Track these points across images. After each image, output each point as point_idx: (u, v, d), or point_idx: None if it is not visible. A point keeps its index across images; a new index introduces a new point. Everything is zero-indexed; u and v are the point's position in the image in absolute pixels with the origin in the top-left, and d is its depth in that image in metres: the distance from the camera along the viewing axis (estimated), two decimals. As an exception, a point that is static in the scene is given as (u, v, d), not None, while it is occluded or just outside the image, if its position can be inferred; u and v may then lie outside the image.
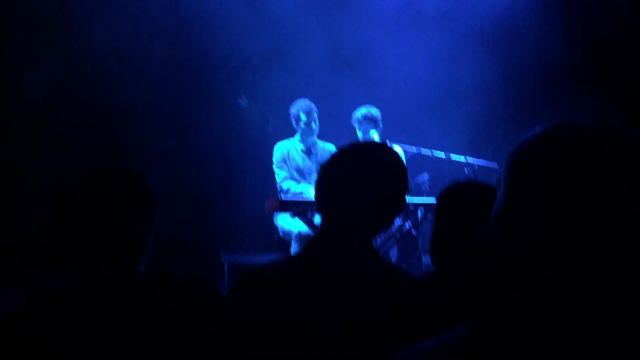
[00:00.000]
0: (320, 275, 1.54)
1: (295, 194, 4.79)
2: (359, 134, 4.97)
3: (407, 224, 4.55)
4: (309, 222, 4.30)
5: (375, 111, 4.97)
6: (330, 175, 1.66)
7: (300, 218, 4.27)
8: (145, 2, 6.37)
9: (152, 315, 1.43)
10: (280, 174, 4.95)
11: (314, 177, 4.89)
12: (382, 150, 1.70)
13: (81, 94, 6.41)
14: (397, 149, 4.97)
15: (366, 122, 4.92)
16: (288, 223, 4.64)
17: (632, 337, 0.82)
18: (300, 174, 4.96)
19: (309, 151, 5.01)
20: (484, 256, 0.98)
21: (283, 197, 4.68)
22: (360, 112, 4.97)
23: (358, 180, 1.61)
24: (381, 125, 4.97)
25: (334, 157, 1.69)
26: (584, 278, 0.85)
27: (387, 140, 4.90)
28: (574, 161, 0.88)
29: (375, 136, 4.88)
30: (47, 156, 6.17)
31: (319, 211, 1.68)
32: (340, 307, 1.48)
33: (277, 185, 4.96)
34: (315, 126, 4.93)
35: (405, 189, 1.69)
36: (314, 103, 5.03)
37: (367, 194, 1.60)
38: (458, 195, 1.77)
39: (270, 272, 1.60)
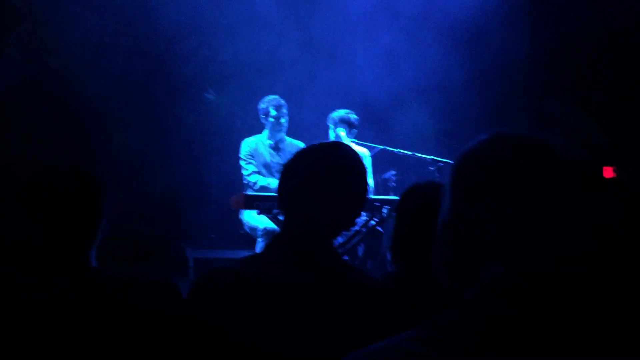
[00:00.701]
0: (281, 275, 1.55)
1: (261, 188, 4.78)
2: (331, 135, 4.97)
3: (373, 221, 4.59)
4: (275, 218, 4.31)
5: (354, 117, 4.98)
6: (291, 176, 1.67)
7: (265, 215, 4.27)
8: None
9: (109, 315, 1.42)
10: (247, 168, 4.93)
11: (282, 173, 4.91)
12: (343, 151, 1.71)
13: (45, 85, 6.30)
14: (361, 149, 4.99)
15: (342, 125, 4.93)
16: (254, 218, 4.63)
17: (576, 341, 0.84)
18: (268, 170, 4.95)
19: (277, 147, 5.00)
20: (434, 262, 1.01)
21: (249, 192, 4.67)
22: (339, 113, 4.97)
23: (318, 180, 1.62)
24: (356, 131, 4.98)
25: (295, 157, 1.70)
26: (529, 283, 0.88)
27: (353, 141, 4.92)
28: (514, 170, 0.92)
29: (342, 134, 4.90)
30: (8, 150, 6.06)
31: (280, 210, 1.69)
32: (299, 308, 1.49)
33: (244, 179, 4.94)
34: (284, 122, 4.92)
35: (364, 190, 1.70)
36: (283, 99, 5.01)
37: (327, 194, 1.61)
38: (418, 196, 1.79)
39: (232, 271, 1.60)
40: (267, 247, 1.66)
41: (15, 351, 1.39)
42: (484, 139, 0.99)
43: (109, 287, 1.47)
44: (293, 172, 1.68)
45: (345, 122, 4.92)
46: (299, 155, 1.71)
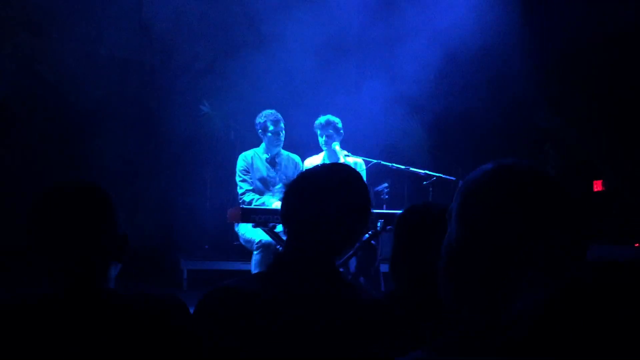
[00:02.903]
0: (284, 294, 1.58)
1: (256, 205, 4.80)
2: (321, 140, 5.02)
3: (367, 235, 4.62)
4: (270, 231, 4.34)
5: (335, 118, 5.05)
6: (294, 195, 1.71)
7: (261, 228, 4.30)
8: (107, 4, 6.32)
9: (119, 334, 1.45)
10: (242, 186, 4.94)
11: (278, 187, 4.93)
12: (346, 172, 1.75)
13: (40, 95, 6.32)
14: (357, 159, 5.04)
15: (327, 127, 4.99)
16: (250, 231, 4.65)
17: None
18: (264, 184, 4.97)
19: (273, 161, 5.02)
20: (438, 285, 1.06)
21: (245, 206, 4.69)
22: (322, 119, 5.05)
23: (320, 200, 1.66)
24: (342, 132, 5.05)
25: (299, 177, 1.74)
26: (538, 310, 0.92)
27: (347, 155, 4.97)
28: (520, 200, 1.00)
29: (337, 148, 4.94)
30: (5, 160, 6.06)
31: (285, 227, 1.73)
32: (304, 326, 1.53)
33: (239, 198, 4.96)
34: (282, 137, 4.95)
35: (367, 210, 1.75)
36: (277, 111, 5.04)
37: (329, 214, 1.65)
38: (417, 217, 1.83)
39: (236, 290, 1.64)
40: (271, 266, 1.70)
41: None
42: (489, 169, 1.05)
43: (118, 307, 1.50)
44: (296, 192, 1.72)
45: (329, 125, 4.99)
46: (303, 175, 1.75)
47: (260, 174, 4.96)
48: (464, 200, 1.04)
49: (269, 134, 4.90)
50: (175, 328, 1.50)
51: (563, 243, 0.99)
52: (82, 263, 1.49)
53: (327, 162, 4.89)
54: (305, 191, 1.70)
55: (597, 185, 6.82)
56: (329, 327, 1.53)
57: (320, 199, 1.67)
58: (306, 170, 1.80)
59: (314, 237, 1.65)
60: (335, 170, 1.77)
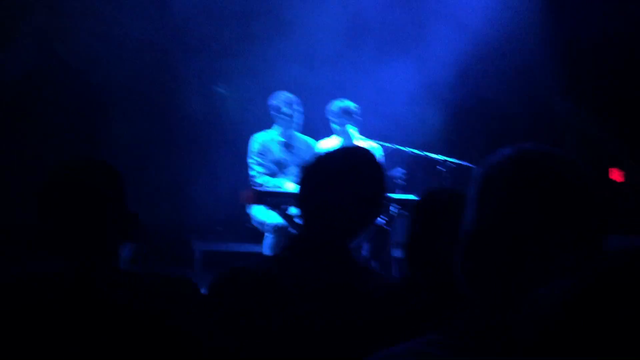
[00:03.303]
0: (298, 276, 1.58)
1: (270, 188, 4.78)
2: (336, 127, 4.97)
3: (380, 219, 4.60)
4: (284, 214, 4.33)
5: (351, 104, 4.97)
6: (310, 178, 1.70)
7: (275, 210, 4.29)
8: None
9: (132, 314, 1.45)
10: (255, 168, 4.90)
11: (292, 170, 4.91)
12: (361, 155, 1.74)
13: (56, 75, 6.32)
14: (372, 143, 5.00)
15: (343, 115, 4.93)
16: (262, 213, 4.65)
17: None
18: (279, 167, 4.93)
19: (288, 144, 4.99)
20: (455, 270, 1.03)
21: (258, 188, 4.68)
22: (336, 104, 4.97)
23: (336, 183, 1.66)
24: (358, 118, 4.99)
25: (315, 161, 1.73)
26: (558, 298, 0.90)
27: (362, 139, 4.93)
28: (540, 186, 0.96)
29: (352, 131, 4.90)
30: (24, 139, 6.10)
31: (300, 210, 1.72)
32: (318, 310, 1.52)
33: (251, 179, 4.93)
34: (296, 118, 4.90)
35: (382, 193, 1.73)
36: (293, 94, 5.00)
37: (345, 197, 1.64)
38: (435, 203, 1.81)
39: (250, 271, 1.63)
40: (285, 249, 1.69)
41: (35, 345, 1.41)
42: (509, 153, 1.01)
43: (129, 286, 1.49)
44: (312, 175, 1.71)
45: (345, 113, 4.92)
46: (318, 158, 1.74)
47: (274, 156, 4.93)
48: (481, 184, 1.01)
49: (283, 116, 4.86)
50: (186, 308, 1.50)
51: (583, 233, 0.95)
52: (92, 240, 1.49)
53: (341, 144, 4.86)
54: (322, 175, 1.69)
55: (616, 175, 6.75)
56: (344, 311, 1.53)
57: (336, 182, 1.66)
58: (323, 153, 1.78)
59: (330, 220, 1.64)
60: (352, 154, 1.76)
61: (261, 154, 4.91)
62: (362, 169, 1.70)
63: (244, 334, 1.54)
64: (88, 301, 1.44)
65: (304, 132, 5.09)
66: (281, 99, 4.88)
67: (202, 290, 1.62)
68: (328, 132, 5.15)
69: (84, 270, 1.47)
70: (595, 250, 0.98)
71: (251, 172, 4.92)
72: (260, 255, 4.68)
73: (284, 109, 4.84)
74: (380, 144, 5.01)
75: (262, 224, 4.69)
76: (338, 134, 5.01)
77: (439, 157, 4.82)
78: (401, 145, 4.98)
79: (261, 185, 4.82)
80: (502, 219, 0.97)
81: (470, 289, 1.02)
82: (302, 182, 1.71)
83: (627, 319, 0.79)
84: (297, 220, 4.07)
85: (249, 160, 4.93)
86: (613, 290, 0.82)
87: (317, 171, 1.71)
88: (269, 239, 4.60)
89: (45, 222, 1.49)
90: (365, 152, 1.77)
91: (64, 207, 1.47)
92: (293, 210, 4.27)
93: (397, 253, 4.75)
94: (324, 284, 1.55)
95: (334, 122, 4.99)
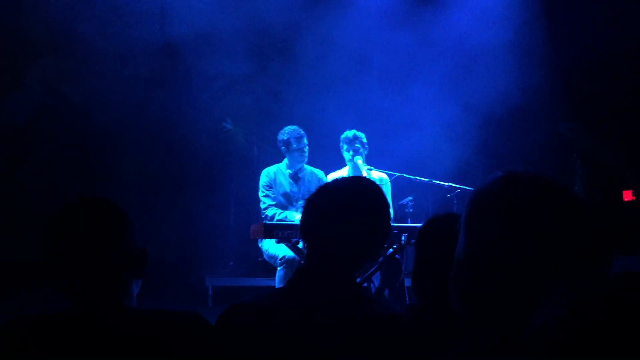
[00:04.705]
0: (302, 309, 1.56)
1: (279, 220, 4.79)
2: (347, 155, 5.01)
3: (391, 248, 4.59)
4: (294, 247, 4.33)
5: (361, 134, 5.05)
6: (313, 209, 1.70)
7: (284, 243, 4.29)
8: (130, 23, 6.39)
9: (141, 351, 1.44)
10: (265, 201, 4.95)
11: (301, 203, 4.92)
12: (364, 186, 1.74)
13: (65, 115, 6.40)
14: (381, 174, 5.01)
15: (355, 141, 4.99)
16: (273, 247, 4.65)
17: None
18: (287, 200, 4.97)
19: (296, 177, 5.02)
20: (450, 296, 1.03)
21: (267, 222, 4.69)
22: (349, 133, 5.05)
23: (339, 214, 1.65)
24: (367, 147, 5.04)
25: (318, 191, 1.72)
26: (554, 328, 0.89)
27: (370, 168, 4.94)
28: (527, 210, 0.95)
29: (360, 162, 4.93)
30: (33, 179, 6.15)
31: (304, 242, 1.71)
32: (321, 342, 1.51)
33: (262, 213, 4.96)
34: (306, 152, 4.95)
35: (385, 224, 1.72)
36: (300, 127, 5.04)
37: (349, 228, 1.63)
38: (437, 229, 1.80)
39: (256, 306, 1.62)
40: (290, 281, 1.68)
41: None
42: (497, 177, 1.01)
43: (139, 324, 1.49)
44: (315, 206, 1.70)
45: (357, 140, 4.98)
46: (322, 189, 1.73)
47: (283, 189, 4.96)
48: (471, 209, 1.01)
49: (293, 152, 4.91)
50: (196, 345, 1.49)
51: (579, 256, 0.94)
52: (99, 279, 1.49)
53: (351, 174, 4.88)
54: (324, 206, 1.68)
55: (628, 195, 6.69)
56: (347, 343, 1.51)
57: (339, 213, 1.65)
58: (325, 184, 1.78)
59: (334, 252, 1.63)
60: (354, 184, 1.76)
61: (270, 187, 4.95)
62: (365, 200, 1.69)
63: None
64: (96, 341, 1.44)
65: (318, 165, 5.12)
66: (291, 134, 4.93)
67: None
68: (337, 164, 5.18)
69: (91, 309, 1.47)
70: (598, 273, 0.97)
71: (261, 206, 4.95)
72: (272, 289, 4.66)
73: (294, 145, 4.90)
74: (388, 173, 5.02)
75: (273, 257, 4.68)
76: (348, 164, 5.05)
77: (446, 184, 4.82)
78: (407, 174, 4.98)
79: (271, 218, 4.83)
80: (490, 244, 0.96)
81: (467, 316, 1.01)
82: (304, 214, 1.70)
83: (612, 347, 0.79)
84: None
85: (259, 194, 4.97)
86: (597, 320, 0.82)
87: (319, 203, 1.70)
88: (280, 273, 4.59)
89: (50, 260, 1.50)
90: (368, 183, 1.77)
91: (67, 245, 1.48)
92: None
93: (409, 282, 4.73)
94: (328, 316, 1.54)
95: (345, 151, 5.04)
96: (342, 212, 1.65)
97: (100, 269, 1.49)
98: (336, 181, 1.78)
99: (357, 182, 1.78)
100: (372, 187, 1.73)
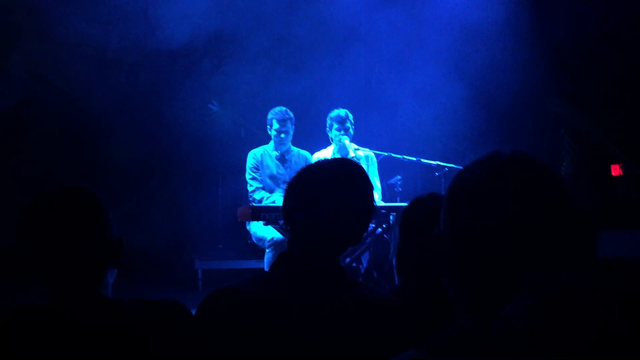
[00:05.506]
0: (287, 294, 1.55)
1: (266, 203, 4.76)
2: (335, 133, 4.94)
3: (380, 228, 4.58)
4: (282, 229, 4.31)
5: (348, 113, 4.99)
6: (295, 192, 1.67)
7: (272, 225, 4.27)
8: (113, 6, 6.31)
9: (118, 342, 1.42)
10: (252, 184, 4.90)
11: (288, 184, 4.90)
12: (347, 167, 1.71)
13: (49, 100, 6.33)
14: (368, 151, 4.98)
15: (345, 122, 4.94)
16: (261, 229, 4.63)
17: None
18: (274, 182, 4.93)
19: (282, 158, 4.98)
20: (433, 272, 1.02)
21: (255, 204, 4.66)
22: (340, 111, 4.98)
23: (322, 197, 1.62)
24: (352, 127, 4.99)
25: (299, 174, 1.69)
26: (525, 316, 0.87)
27: (356, 148, 4.91)
28: (509, 195, 0.93)
29: (346, 142, 4.89)
30: (19, 166, 6.09)
31: (287, 225, 1.69)
32: (306, 326, 1.49)
33: (249, 196, 4.93)
34: (285, 136, 4.88)
35: (370, 206, 1.70)
36: (288, 108, 4.98)
37: (332, 211, 1.61)
38: (420, 210, 1.78)
39: (240, 291, 1.60)
40: (274, 266, 1.66)
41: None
42: (481, 159, 0.99)
43: (116, 314, 1.46)
44: (298, 188, 1.68)
45: (344, 120, 4.92)
46: (304, 171, 1.70)
47: (270, 171, 4.92)
48: (452, 188, 0.98)
49: (273, 132, 4.87)
50: (175, 334, 1.47)
51: (560, 244, 0.92)
52: (74, 269, 1.46)
53: (336, 156, 4.83)
54: (308, 188, 1.65)
55: (615, 170, 6.71)
56: (332, 326, 1.49)
57: (321, 195, 1.63)
58: (307, 165, 1.74)
59: (317, 234, 1.61)
60: (337, 166, 1.72)
61: (256, 168, 4.91)
62: (348, 183, 1.66)
63: (233, 354, 1.51)
64: (72, 332, 1.42)
65: (301, 144, 5.08)
66: (275, 115, 4.88)
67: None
68: (324, 143, 5.13)
69: (67, 299, 1.45)
70: (574, 258, 0.95)
71: (248, 188, 4.92)
72: (262, 271, 4.65)
73: (276, 125, 4.85)
74: (376, 153, 4.99)
75: (261, 240, 4.66)
76: (335, 142, 5.00)
77: (434, 163, 4.79)
78: (395, 153, 4.95)
79: (259, 200, 4.80)
80: (472, 230, 0.94)
81: (458, 303, 1.00)
82: (286, 197, 1.67)
83: (582, 335, 0.79)
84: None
85: (246, 176, 4.93)
86: (569, 308, 0.81)
87: (302, 185, 1.68)
88: (268, 255, 4.58)
89: (25, 250, 1.47)
90: (350, 164, 1.74)
91: (40, 235, 1.45)
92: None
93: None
94: (312, 301, 1.52)
95: (329, 132, 4.99)
96: (326, 195, 1.62)
97: (75, 258, 1.46)
98: (318, 163, 1.75)
99: (340, 164, 1.75)
100: (356, 170, 1.70)
